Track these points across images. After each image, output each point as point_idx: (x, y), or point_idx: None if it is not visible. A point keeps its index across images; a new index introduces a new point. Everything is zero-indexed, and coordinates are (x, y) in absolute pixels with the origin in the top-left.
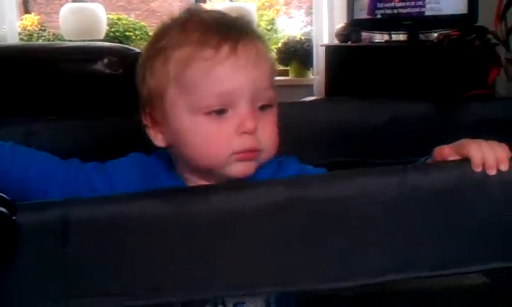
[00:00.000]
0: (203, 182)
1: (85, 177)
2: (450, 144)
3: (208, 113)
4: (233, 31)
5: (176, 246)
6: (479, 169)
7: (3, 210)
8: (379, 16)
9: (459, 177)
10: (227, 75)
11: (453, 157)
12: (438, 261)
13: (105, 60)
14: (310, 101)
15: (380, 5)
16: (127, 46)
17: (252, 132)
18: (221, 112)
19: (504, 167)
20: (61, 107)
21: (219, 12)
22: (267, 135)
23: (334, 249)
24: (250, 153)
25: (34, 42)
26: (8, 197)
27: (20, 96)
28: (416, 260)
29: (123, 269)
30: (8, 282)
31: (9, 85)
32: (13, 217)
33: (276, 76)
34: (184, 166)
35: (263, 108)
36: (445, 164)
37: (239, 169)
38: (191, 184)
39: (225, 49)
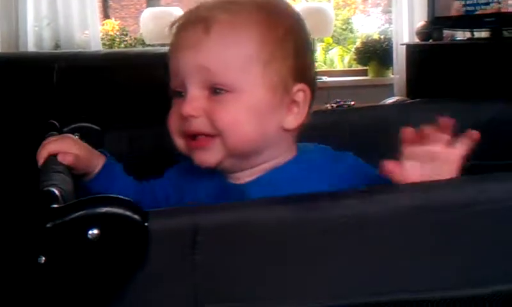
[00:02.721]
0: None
1: (149, 188)
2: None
3: (174, 95)
4: (195, 13)
5: (301, 252)
6: None
7: (136, 217)
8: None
9: None
10: (172, 57)
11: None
12: None
13: None
14: (406, 103)
15: (462, 2)
16: None
17: (187, 117)
18: (179, 94)
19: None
20: (161, 113)
21: None
22: (223, 120)
23: (461, 256)
24: (198, 141)
25: (134, 48)
26: (139, 205)
27: (121, 102)
28: None
29: (250, 276)
30: (139, 287)
31: (109, 91)
32: (145, 224)
33: (255, 60)
34: None
35: (219, 92)
36: None
37: (196, 157)
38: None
39: (179, 32)
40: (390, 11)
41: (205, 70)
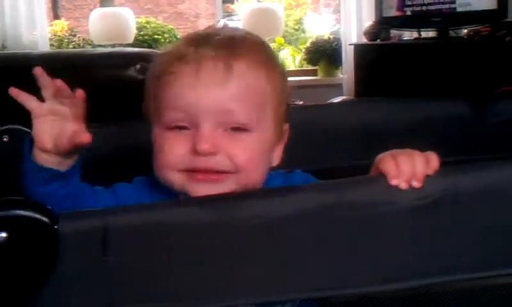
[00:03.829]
0: None
1: (91, 194)
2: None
3: (171, 128)
4: (208, 49)
5: (215, 252)
6: (394, 183)
7: (45, 219)
8: (408, 13)
9: (497, 178)
10: (186, 91)
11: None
12: (477, 263)
13: (138, 66)
14: (342, 101)
15: (409, 2)
16: (158, 51)
17: (205, 154)
18: (182, 128)
19: (417, 183)
20: (93, 113)
21: (220, 30)
22: (241, 158)
23: (366, 254)
24: (209, 174)
25: (67, 49)
26: (49, 207)
27: None
28: (454, 263)
29: (164, 276)
30: (51, 290)
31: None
32: (55, 227)
33: (265, 98)
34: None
35: (236, 130)
36: (491, 163)
37: (199, 190)
38: None
39: (190, 65)
40: (340, 12)
41: (227, 110)
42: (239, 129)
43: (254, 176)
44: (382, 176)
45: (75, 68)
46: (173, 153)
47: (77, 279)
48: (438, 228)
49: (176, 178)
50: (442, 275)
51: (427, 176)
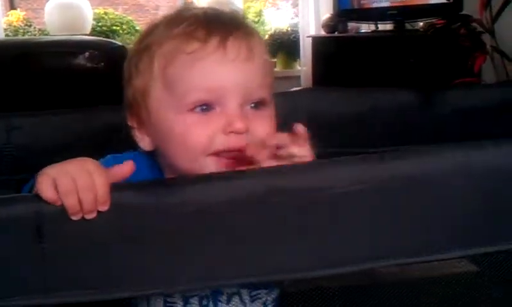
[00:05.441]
0: None
1: None
2: None
3: (193, 110)
4: (223, 25)
5: (153, 238)
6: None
7: None
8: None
9: (437, 163)
10: (214, 69)
11: None
12: (416, 249)
13: (87, 54)
14: (292, 91)
15: None
16: (108, 39)
17: (242, 132)
18: (207, 109)
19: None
20: (42, 101)
21: (211, 8)
22: (263, 134)
23: (313, 239)
24: (240, 154)
25: (14, 37)
26: None
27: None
28: (395, 247)
29: (100, 262)
30: None
31: None
32: None
33: (272, 74)
34: (171, 174)
35: (256, 106)
36: (424, 150)
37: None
38: None
39: (213, 42)
40: (298, 4)
41: (252, 87)
42: (258, 105)
43: None
44: (320, 162)
45: (24, 55)
46: (203, 136)
47: (14, 264)
48: (379, 211)
49: (207, 163)
50: (383, 259)
51: (365, 162)
